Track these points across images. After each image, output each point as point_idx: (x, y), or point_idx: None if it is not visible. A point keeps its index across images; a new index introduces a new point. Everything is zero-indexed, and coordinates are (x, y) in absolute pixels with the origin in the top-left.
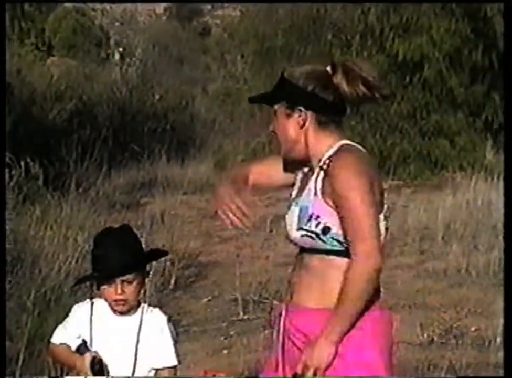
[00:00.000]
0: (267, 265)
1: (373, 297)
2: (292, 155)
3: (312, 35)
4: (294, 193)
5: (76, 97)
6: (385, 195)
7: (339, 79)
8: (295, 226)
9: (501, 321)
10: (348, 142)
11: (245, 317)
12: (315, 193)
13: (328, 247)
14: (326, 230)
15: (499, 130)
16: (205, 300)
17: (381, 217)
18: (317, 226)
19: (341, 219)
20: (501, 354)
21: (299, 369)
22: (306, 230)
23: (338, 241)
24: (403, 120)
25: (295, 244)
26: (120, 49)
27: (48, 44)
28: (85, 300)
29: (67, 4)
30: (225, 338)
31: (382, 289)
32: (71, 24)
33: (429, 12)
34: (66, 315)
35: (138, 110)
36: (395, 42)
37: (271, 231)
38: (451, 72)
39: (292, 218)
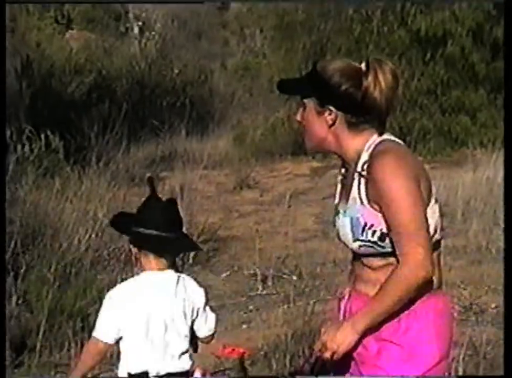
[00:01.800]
0: (286, 240)
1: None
2: (317, 150)
3: (333, 10)
4: (337, 197)
5: (95, 71)
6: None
7: (369, 81)
8: (350, 238)
9: None
10: (382, 137)
11: (264, 292)
12: (361, 202)
13: (389, 250)
14: (383, 237)
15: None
16: (224, 274)
17: (434, 206)
18: (373, 234)
19: (389, 220)
20: None
21: (317, 346)
22: (362, 240)
23: None
24: (423, 96)
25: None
26: (139, 23)
27: (67, 18)
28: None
29: None
30: (244, 313)
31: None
32: None
33: None
34: (86, 288)
35: (157, 84)
36: (417, 17)
37: (290, 206)
38: (473, 48)
39: (345, 229)
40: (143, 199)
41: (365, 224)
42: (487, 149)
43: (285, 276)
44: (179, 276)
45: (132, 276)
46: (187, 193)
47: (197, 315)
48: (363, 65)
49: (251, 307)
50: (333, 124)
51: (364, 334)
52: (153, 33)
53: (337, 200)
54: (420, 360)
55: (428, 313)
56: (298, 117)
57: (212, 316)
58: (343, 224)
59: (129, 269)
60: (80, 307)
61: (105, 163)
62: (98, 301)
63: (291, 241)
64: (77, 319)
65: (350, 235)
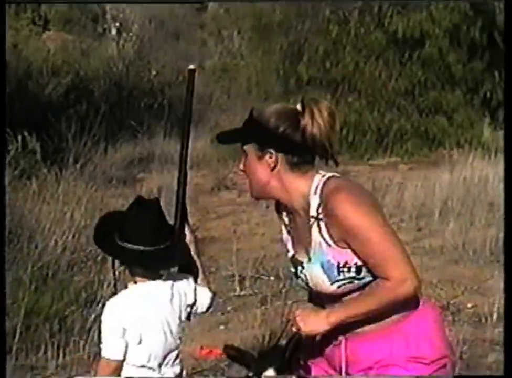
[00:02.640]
0: (264, 241)
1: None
2: (263, 196)
3: (310, 11)
4: (290, 249)
5: (72, 72)
6: (383, 172)
7: (306, 120)
8: (327, 282)
9: (497, 297)
10: (326, 176)
11: (242, 293)
12: (328, 245)
13: (368, 279)
14: (359, 270)
15: (496, 107)
16: None
17: None
18: (349, 271)
19: (362, 253)
20: (497, 330)
21: (292, 320)
22: (341, 279)
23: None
24: (401, 97)
25: (329, 295)
26: (117, 24)
27: (44, 19)
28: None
29: None
30: (222, 314)
31: None
32: None
33: None
34: (62, 290)
35: (134, 85)
36: (394, 18)
37: (267, 207)
38: (449, 49)
39: (317, 276)
40: (121, 201)
41: (339, 264)
42: (463, 150)
43: (262, 277)
44: (172, 285)
45: (109, 278)
46: (164, 195)
47: (191, 306)
48: (298, 106)
49: (228, 308)
50: (275, 167)
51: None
52: (131, 34)
53: (291, 252)
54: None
55: (425, 320)
56: (241, 167)
57: (204, 294)
58: (313, 272)
59: (106, 270)
60: (57, 309)
61: (83, 165)
62: (75, 302)
63: (269, 241)
64: (54, 321)
65: (325, 280)
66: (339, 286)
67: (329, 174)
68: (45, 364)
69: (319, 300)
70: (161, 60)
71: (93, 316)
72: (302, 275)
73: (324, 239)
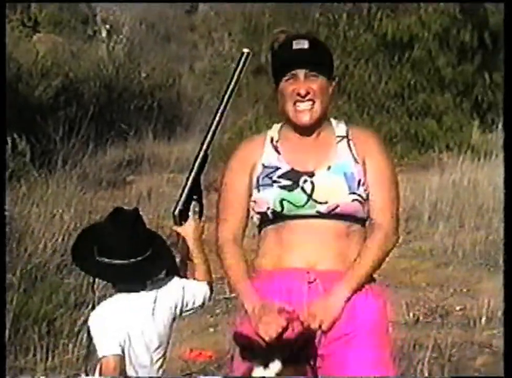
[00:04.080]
0: (253, 244)
1: None
2: (316, 122)
3: (300, 13)
4: (285, 165)
5: (62, 74)
6: None
7: None
8: (346, 191)
9: (486, 300)
10: None
11: (231, 295)
12: (356, 161)
13: (364, 216)
14: (367, 197)
15: (486, 110)
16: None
17: None
18: (364, 191)
19: (373, 186)
20: (485, 333)
21: (305, 319)
22: (358, 194)
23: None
24: (390, 100)
25: (326, 212)
26: (107, 26)
27: (34, 21)
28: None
29: None
30: (211, 316)
31: None
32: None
33: None
34: (52, 292)
35: (124, 88)
36: (383, 21)
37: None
38: (439, 52)
39: (337, 184)
40: (111, 203)
41: (360, 180)
42: (453, 153)
43: None
44: (155, 297)
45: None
46: (154, 197)
47: (182, 304)
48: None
49: (217, 311)
50: (333, 92)
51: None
52: (121, 36)
53: (285, 167)
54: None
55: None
56: (303, 91)
57: (197, 288)
58: (332, 179)
59: None
60: (46, 312)
61: (72, 167)
62: (64, 305)
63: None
64: (43, 323)
65: (345, 188)
66: (353, 200)
67: None
68: (34, 366)
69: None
70: (152, 62)
71: (82, 319)
72: (306, 185)
73: (353, 155)
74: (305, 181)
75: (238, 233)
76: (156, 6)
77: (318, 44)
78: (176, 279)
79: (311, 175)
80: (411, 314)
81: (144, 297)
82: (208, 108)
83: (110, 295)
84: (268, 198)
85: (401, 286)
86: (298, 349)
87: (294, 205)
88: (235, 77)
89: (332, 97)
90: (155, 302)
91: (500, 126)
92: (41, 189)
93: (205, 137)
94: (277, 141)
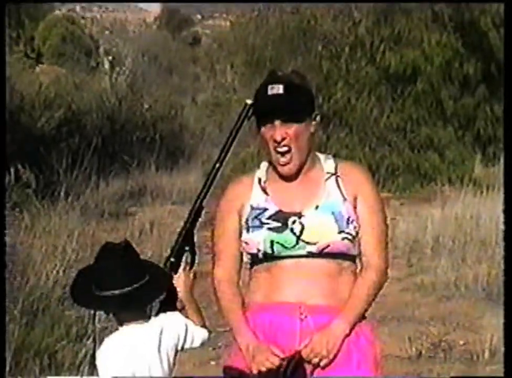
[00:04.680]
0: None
1: None
2: (300, 166)
3: (302, 46)
4: (273, 206)
5: (65, 105)
6: None
7: None
8: (335, 230)
9: (489, 335)
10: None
11: None
12: (344, 199)
13: (355, 253)
14: (357, 234)
15: (488, 144)
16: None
17: None
18: (354, 228)
19: (363, 224)
20: (489, 368)
21: (304, 354)
22: (348, 233)
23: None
24: (393, 133)
25: (317, 252)
26: (110, 58)
27: (37, 52)
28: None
29: (57, 12)
30: (213, 349)
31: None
32: (60, 32)
33: (421, 24)
34: (53, 325)
35: (127, 119)
36: (386, 54)
37: None
38: (440, 85)
39: (325, 224)
40: (113, 235)
41: (349, 218)
42: (455, 186)
43: None
44: (161, 329)
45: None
46: (156, 229)
47: (184, 340)
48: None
49: (219, 343)
50: (315, 131)
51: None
52: (124, 68)
53: (273, 208)
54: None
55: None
56: (278, 137)
57: (199, 330)
58: (320, 219)
59: None
60: (47, 344)
61: (75, 198)
62: (66, 337)
63: None
64: (44, 356)
65: (334, 228)
66: (343, 238)
67: None
68: None
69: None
70: (154, 94)
71: (83, 351)
72: (295, 226)
73: (341, 192)
74: (294, 222)
75: (233, 273)
76: (159, 38)
77: (293, 87)
78: (178, 314)
79: (299, 215)
80: (414, 348)
81: (149, 330)
82: (210, 140)
83: (112, 327)
84: (258, 240)
85: (403, 320)
86: (290, 373)
87: (284, 246)
88: (236, 128)
89: (316, 134)
90: (161, 333)
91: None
92: (44, 220)
93: (201, 190)
94: (265, 182)
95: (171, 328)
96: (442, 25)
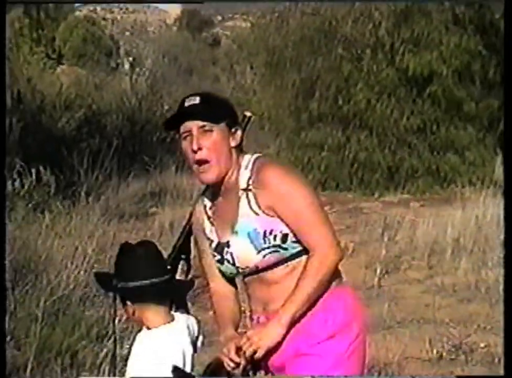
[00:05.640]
0: None
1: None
2: (218, 178)
3: (323, 48)
4: (215, 238)
5: (85, 106)
6: (394, 209)
7: None
8: (253, 252)
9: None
10: (254, 154)
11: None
12: (256, 214)
13: (293, 251)
14: (284, 238)
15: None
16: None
17: None
18: (274, 238)
19: (290, 220)
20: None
21: (242, 343)
22: (266, 248)
23: (297, 241)
24: (412, 135)
25: (255, 270)
26: (130, 59)
27: (58, 53)
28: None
29: (78, 13)
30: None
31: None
32: (81, 33)
33: (441, 26)
34: (74, 325)
35: (147, 120)
36: (405, 56)
37: None
38: (459, 87)
39: (243, 248)
40: (133, 236)
41: (265, 232)
42: (475, 188)
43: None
44: (188, 325)
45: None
46: (176, 229)
47: (197, 339)
48: None
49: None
50: (240, 143)
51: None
52: (144, 69)
53: (215, 242)
54: (342, 336)
55: (339, 301)
56: (195, 146)
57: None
58: (240, 244)
59: (118, 305)
60: (68, 344)
61: (95, 199)
62: (87, 337)
63: None
64: (66, 356)
65: (252, 250)
66: (264, 256)
67: (258, 154)
68: None
69: (232, 294)
70: (174, 95)
71: (104, 351)
72: (228, 256)
73: (251, 209)
74: (227, 252)
75: (223, 284)
76: (179, 39)
77: (211, 98)
78: (192, 317)
79: (228, 245)
80: (434, 351)
81: (179, 324)
82: None
83: (133, 328)
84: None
85: (424, 322)
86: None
87: (230, 273)
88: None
89: (241, 146)
90: (188, 328)
91: None
92: (64, 221)
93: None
94: (210, 208)
95: (192, 327)
96: (462, 27)
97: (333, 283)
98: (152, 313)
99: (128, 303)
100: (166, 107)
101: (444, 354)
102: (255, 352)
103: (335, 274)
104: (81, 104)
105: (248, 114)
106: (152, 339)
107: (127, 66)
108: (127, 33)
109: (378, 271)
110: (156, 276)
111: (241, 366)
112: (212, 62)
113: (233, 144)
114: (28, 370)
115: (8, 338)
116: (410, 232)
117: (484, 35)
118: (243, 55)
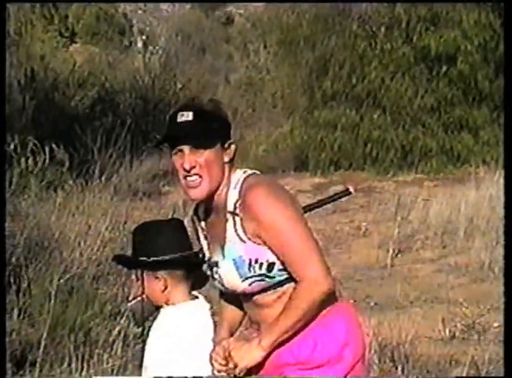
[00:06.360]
0: None
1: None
2: (209, 195)
3: (337, 26)
4: (206, 251)
5: (98, 84)
6: (408, 189)
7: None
8: (238, 280)
9: None
10: (247, 171)
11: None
12: (241, 240)
13: (280, 278)
14: (270, 267)
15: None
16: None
17: None
18: (260, 267)
19: (278, 250)
20: None
21: (226, 355)
22: (251, 276)
23: (284, 269)
24: (426, 114)
25: (243, 294)
26: (143, 37)
27: (71, 31)
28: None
29: None
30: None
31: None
32: (94, 11)
33: (458, 4)
34: (87, 302)
35: (160, 99)
36: (423, 35)
37: None
38: (479, 66)
39: (230, 273)
40: (146, 214)
41: (250, 260)
42: (489, 167)
43: None
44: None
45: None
46: (189, 208)
47: None
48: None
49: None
50: (232, 159)
51: (281, 355)
52: (157, 47)
53: (207, 254)
54: (331, 368)
55: (337, 322)
56: (187, 165)
57: None
58: (226, 269)
59: (130, 283)
60: (82, 322)
61: (108, 177)
62: (100, 315)
63: None
64: (79, 333)
65: (237, 277)
66: (249, 284)
67: (251, 171)
68: (69, 376)
69: (237, 301)
70: (187, 73)
71: (117, 329)
72: (217, 276)
73: (238, 235)
74: (216, 272)
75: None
76: (192, 17)
77: (203, 113)
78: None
79: (216, 264)
80: (447, 330)
81: (204, 302)
82: (243, 120)
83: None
84: None
85: (437, 301)
86: None
87: (221, 290)
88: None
89: (232, 161)
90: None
91: None
92: (78, 199)
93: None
94: (204, 220)
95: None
96: (480, 5)
97: (324, 311)
98: (182, 288)
99: (159, 276)
100: (179, 85)
101: (457, 333)
102: (236, 366)
103: (327, 302)
104: (94, 82)
105: (351, 189)
106: (182, 312)
107: (140, 44)
108: (140, 11)
109: (391, 250)
110: (185, 251)
111: (227, 371)
112: (225, 41)
113: (226, 159)
114: (42, 347)
115: (22, 315)
116: (423, 212)
117: (501, 12)
118: (256, 33)
